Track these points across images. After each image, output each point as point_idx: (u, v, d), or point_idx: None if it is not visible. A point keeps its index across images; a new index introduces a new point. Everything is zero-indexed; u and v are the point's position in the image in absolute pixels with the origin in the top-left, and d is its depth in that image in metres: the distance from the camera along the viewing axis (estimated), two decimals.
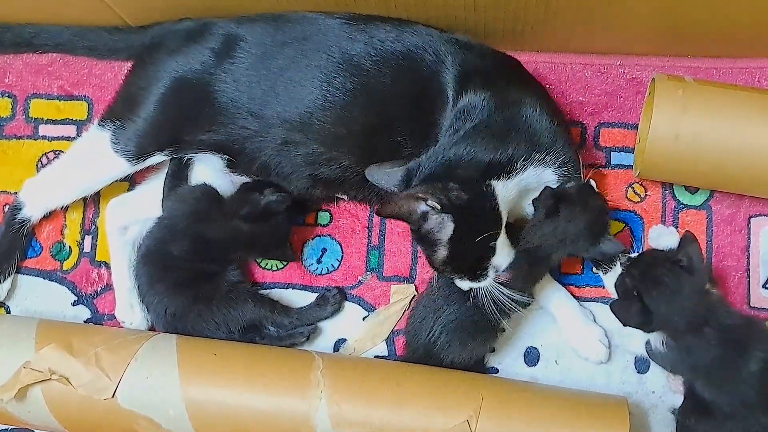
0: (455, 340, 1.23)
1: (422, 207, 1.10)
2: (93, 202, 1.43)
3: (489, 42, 1.31)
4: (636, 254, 1.25)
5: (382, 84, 1.23)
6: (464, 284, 1.17)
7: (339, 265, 1.39)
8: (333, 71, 1.23)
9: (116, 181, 1.35)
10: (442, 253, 1.14)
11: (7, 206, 1.41)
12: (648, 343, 1.23)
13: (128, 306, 1.36)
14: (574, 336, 1.31)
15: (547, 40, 1.35)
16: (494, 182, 1.15)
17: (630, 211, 1.36)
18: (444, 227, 1.11)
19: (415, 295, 1.36)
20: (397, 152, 1.23)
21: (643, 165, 1.27)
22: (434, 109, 1.22)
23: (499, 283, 1.17)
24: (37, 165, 1.46)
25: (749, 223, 1.35)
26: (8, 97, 1.48)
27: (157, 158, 1.31)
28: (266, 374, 1.20)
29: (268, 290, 1.39)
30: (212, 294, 1.31)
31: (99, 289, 1.42)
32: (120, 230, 1.38)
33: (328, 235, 1.40)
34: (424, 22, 1.28)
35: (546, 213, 1.20)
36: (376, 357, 1.36)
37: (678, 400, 1.28)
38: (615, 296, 1.26)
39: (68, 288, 1.42)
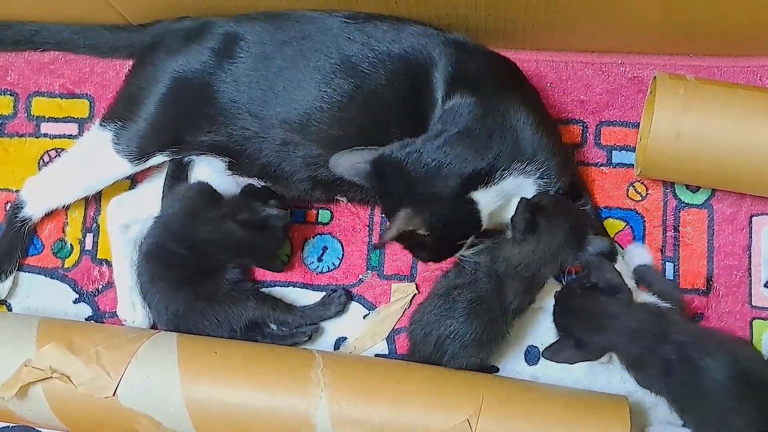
0: (462, 353, 1.22)
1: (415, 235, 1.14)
2: (94, 200, 1.43)
3: (490, 41, 1.31)
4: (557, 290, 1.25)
5: (378, 85, 1.23)
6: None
7: (340, 263, 1.39)
8: (330, 72, 1.23)
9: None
10: (424, 255, 1.22)
11: (9, 204, 1.41)
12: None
13: (130, 304, 1.36)
14: None
15: (548, 39, 1.35)
16: (475, 194, 1.16)
17: (631, 210, 1.36)
18: (428, 241, 1.16)
19: (416, 294, 1.36)
20: None
21: (645, 164, 1.27)
22: (426, 110, 1.22)
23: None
24: (38, 163, 1.46)
25: (751, 222, 1.35)
26: (10, 95, 1.48)
27: (159, 159, 1.31)
28: (267, 372, 1.20)
29: (268, 288, 1.39)
30: (214, 292, 1.31)
31: (100, 286, 1.42)
32: (121, 229, 1.38)
33: (329, 233, 1.40)
34: (425, 20, 1.27)
35: (525, 229, 1.19)
36: (377, 355, 1.36)
37: None
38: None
39: (70, 286, 1.43)
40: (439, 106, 1.21)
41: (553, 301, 1.26)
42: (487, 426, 1.15)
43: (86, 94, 1.47)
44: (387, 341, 1.36)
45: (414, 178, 1.14)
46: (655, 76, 1.29)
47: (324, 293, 1.37)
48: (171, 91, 1.27)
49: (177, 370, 1.20)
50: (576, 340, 1.17)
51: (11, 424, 1.34)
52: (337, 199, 1.37)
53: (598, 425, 1.16)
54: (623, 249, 1.35)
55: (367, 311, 1.37)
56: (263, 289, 1.38)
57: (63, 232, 1.44)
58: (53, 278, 1.43)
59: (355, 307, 1.37)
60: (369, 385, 1.19)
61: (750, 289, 1.33)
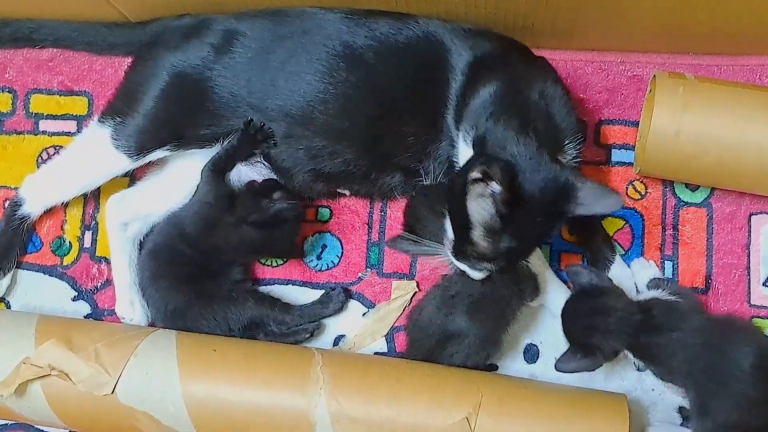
0: (461, 353, 1.23)
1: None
2: (93, 197, 1.43)
3: None
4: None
5: (385, 75, 1.23)
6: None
7: (339, 261, 1.39)
8: (334, 64, 1.23)
9: (117, 177, 1.35)
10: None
11: (8, 201, 1.40)
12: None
13: (128, 302, 1.36)
14: None
15: (548, 37, 1.34)
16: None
17: (630, 208, 1.36)
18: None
19: (416, 292, 1.36)
20: (400, 143, 1.24)
21: (644, 162, 1.27)
22: (441, 96, 1.22)
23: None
24: (37, 160, 1.46)
25: (750, 220, 1.35)
26: (8, 92, 1.48)
27: (158, 154, 1.30)
28: (266, 370, 1.21)
29: (268, 286, 1.39)
30: (214, 292, 1.31)
31: (99, 284, 1.42)
32: (120, 226, 1.37)
33: (328, 231, 1.40)
34: (425, 16, 1.27)
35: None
36: (376, 353, 1.36)
37: (677, 398, 1.28)
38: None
39: (68, 283, 1.42)
40: (461, 91, 1.21)
41: (552, 298, 1.27)
42: (486, 424, 1.15)
43: (85, 92, 1.46)
44: (386, 339, 1.36)
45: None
46: (654, 75, 1.29)
47: (323, 291, 1.37)
48: (170, 87, 1.27)
49: (176, 368, 1.20)
50: (583, 349, 1.17)
51: (10, 422, 1.34)
52: (339, 193, 1.36)
53: (597, 423, 1.16)
54: (624, 251, 1.35)
55: (366, 309, 1.37)
56: (262, 288, 1.38)
57: (62, 229, 1.44)
58: (52, 276, 1.43)
59: (354, 305, 1.37)
60: (368, 382, 1.19)
61: (749, 287, 1.33)
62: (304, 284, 1.39)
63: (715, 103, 1.24)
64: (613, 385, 1.30)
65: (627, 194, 1.37)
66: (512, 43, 1.28)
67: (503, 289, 1.22)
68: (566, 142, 1.19)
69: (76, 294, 1.42)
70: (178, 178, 1.36)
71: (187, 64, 1.27)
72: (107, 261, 1.40)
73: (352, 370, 1.21)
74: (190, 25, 1.32)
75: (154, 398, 1.19)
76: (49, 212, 1.41)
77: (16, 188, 1.40)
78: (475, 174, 1.07)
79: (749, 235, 1.35)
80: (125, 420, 1.20)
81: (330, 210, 1.40)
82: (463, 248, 1.14)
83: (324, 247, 1.39)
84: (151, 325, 1.36)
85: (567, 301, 1.22)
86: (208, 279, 1.31)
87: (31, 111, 1.47)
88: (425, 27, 1.25)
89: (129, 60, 1.39)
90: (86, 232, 1.43)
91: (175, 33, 1.32)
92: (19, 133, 1.47)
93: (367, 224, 1.39)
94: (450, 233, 1.15)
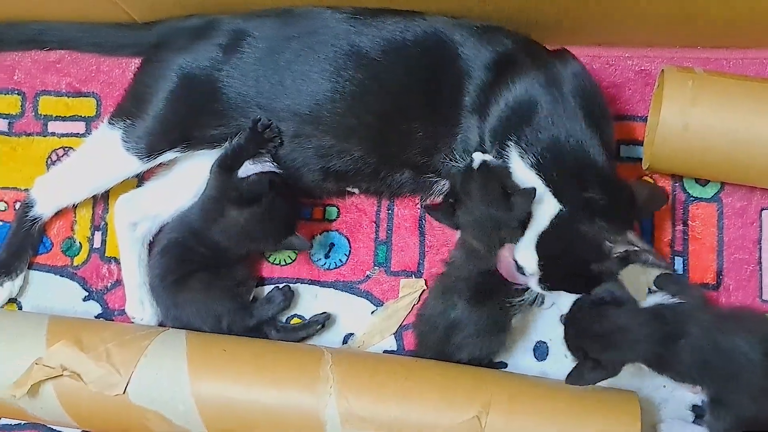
0: (468, 341, 1.22)
1: None
2: (102, 198, 1.43)
3: None
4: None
5: (393, 72, 1.23)
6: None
7: (347, 260, 1.39)
8: (342, 62, 1.23)
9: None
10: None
11: (18, 203, 1.41)
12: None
13: (138, 302, 1.36)
14: None
15: (554, 34, 1.33)
16: None
17: None
18: None
19: (424, 290, 1.36)
20: (409, 139, 1.24)
21: (653, 158, 1.26)
22: (455, 93, 1.22)
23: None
24: (46, 162, 1.46)
25: (761, 215, 1.34)
26: (17, 94, 1.48)
27: (169, 155, 1.31)
28: (275, 369, 1.21)
29: (276, 285, 1.38)
30: (221, 288, 1.31)
31: (109, 284, 1.43)
32: (129, 226, 1.37)
33: (336, 230, 1.40)
34: (431, 13, 1.27)
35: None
36: (385, 352, 1.36)
37: (689, 394, 1.28)
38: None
39: (79, 284, 1.43)
40: (478, 86, 1.21)
41: (562, 296, 1.26)
42: (497, 422, 1.15)
43: (93, 93, 1.47)
44: (395, 337, 1.36)
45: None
46: (662, 69, 1.28)
47: (333, 290, 1.37)
48: (179, 88, 1.27)
49: (186, 368, 1.20)
50: (594, 362, 1.15)
51: (23, 422, 1.35)
52: (348, 191, 1.37)
53: (608, 421, 1.15)
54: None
55: (374, 307, 1.37)
56: (270, 286, 1.38)
57: (72, 230, 1.44)
58: (62, 276, 1.43)
59: (362, 303, 1.37)
60: (378, 381, 1.19)
61: (761, 283, 1.33)
62: (312, 283, 1.39)
63: (725, 97, 1.23)
64: (624, 382, 1.28)
65: None
66: (528, 39, 1.28)
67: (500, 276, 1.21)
68: (612, 138, 1.22)
69: (87, 294, 1.43)
70: (187, 178, 1.36)
71: (195, 65, 1.27)
72: (117, 261, 1.41)
73: (361, 369, 1.21)
74: (197, 26, 1.32)
75: (164, 398, 1.19)
76: (59, 213, 1.42)
77: (26, 189, 1.41)
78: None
79: (760, 230, 1.34)
80: (136, 419, 1.21)
81: (337, 208, 1.40)
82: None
83: (332, 245, 1.39)
84: (161, 324, 1.36)
85: (573, 311, 1.19)
86: (216, 275, 1.31)
87: (39, 112, 1.47)
88: (433, 24, 1.25)
89: (136, 61, 1.40)
90: (96, 232, 1.44)
91: (183, 34, 1.32)
92: (29, 134, 1.47)
93: (375, 222, 1.39)
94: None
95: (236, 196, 1.27)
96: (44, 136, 1.47)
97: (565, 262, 1.17)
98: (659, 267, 1.12)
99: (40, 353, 1.21)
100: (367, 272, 1.38)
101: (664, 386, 1.30)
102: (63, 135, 1.47)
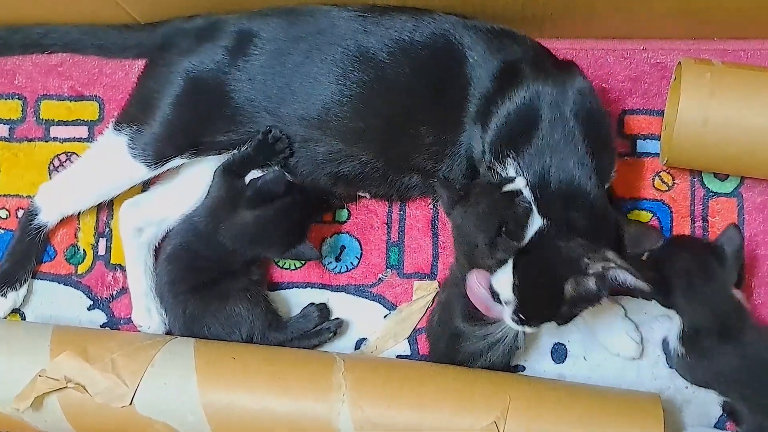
0: (476, 353, 1.20)
1: None
2: (106, 204, 1.41)
3: None
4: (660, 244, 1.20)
5: (401, 74, 1.21)
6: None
7: (358, 263, 1.37)
8: (349, 65, 1.21)
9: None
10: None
11: (21, 210, 1.39)
12: (665, 343, 1.21)
13: (145, 310, 1.34)
14: (603, 331, 1.28)
15: (568, 27, 1.32)
16: None
17: (658, 200, 1.34)
18: None
19: (438, 292, 1.33)
20: (416, 144, 1.22)
21: (671, 152, 1.25)
22: (461, 97, 1.20)
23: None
24: (49, 167, 1.44)
25: None
26: (18, 98, 1.46)
27: (176, 162, 1.29)
28: (287, 377, 1.19)
29: (286, 290, 1.37)
30: (228, 295, 1.28)
31: (115, 292, 1.40)
32: (135, 232, 1.35)
33: (347, 232, 1.38)
34: (441, 9, 1.25)
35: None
36: (399, 356, 1.34)
37: (711, 395, 1.25)
38: None
39: (83, 292, 1.41)
40: (482, 94, 1.19)
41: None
42: (515, 428, 1.12)
43: (95, 96, 1.45)
44: (409, 341, 1.34)
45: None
46: (679, 62, 1.26)
47: (344, 294, 1.35)
48: (185, 93, 1.25)
49: (195, 377, 1.18)
50: (662, 283, 1.15)
51: None
52: (359, 195, 1.35)
53: (631, 425, 1.13)
54: None
55: (387, 311, 1.35)
56: (281, 292, 1.36)
57: (75, 237, 1.42)
58: (67, 285, 1.41)
59: (375, 307, 1.35)
60: (392, 387, 1.17)
61: None
62: (323, 287, 1.37)
63: (744, 89, 1.21)
64: (645, 384, 1.27)
65: (654, 186, 1.34)
66: (538, 46, 1.25)
67: None
68: (611, 165, 1.20)
69: (92, 303, 1.40)
70: (193, 182, 1.35)
71: (201, 68, 1.25)
72: (122, 268, 1.39)
73: (375, 375, 1.19)
74: (202, 27, 1.30)
75: (172, 408, 1.17)
76: (63, 220, 1.39)
77: (28, 196, 1.39)
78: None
79: None
80: (144, 431, 1.18)
81: (348, 211, 1.38)
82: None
83: (343, 248, 1.37)
84: (169, 332, 1.34)
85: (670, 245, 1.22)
86: (224, 281, 1.29)
87: (41, 117, 1.45)
88: (442, 24, 1.22)
89: (139, 63, 1.38)
90: (100, 239, 1.42)
91: (188, 36, 1.30)
92: (30, 140, 1.45)
93: (386, 224, 1.37)
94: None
95: (249, 194, 1.24)
96: (46, 142, 1.45)
97: (542, 281, 1.09)
98: (640, 288, 1.07)
99: (44, 365, 1.19)
100: (380, 275, 1.36)
101: (686, 387, 1.27)
102: (65, 140, 1.45)
